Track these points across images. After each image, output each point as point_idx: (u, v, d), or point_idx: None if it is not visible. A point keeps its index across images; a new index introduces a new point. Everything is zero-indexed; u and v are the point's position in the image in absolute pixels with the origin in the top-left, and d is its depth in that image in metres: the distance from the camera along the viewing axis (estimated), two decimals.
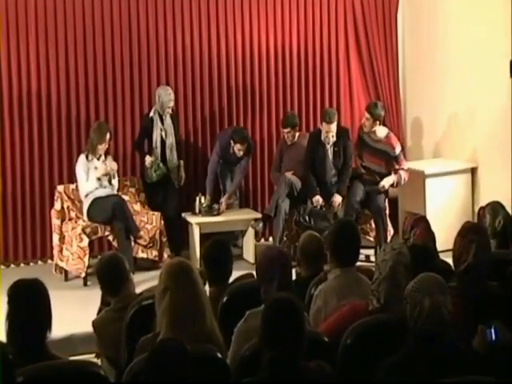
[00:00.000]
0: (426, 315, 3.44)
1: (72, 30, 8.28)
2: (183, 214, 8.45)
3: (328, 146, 8.31)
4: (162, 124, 8.19)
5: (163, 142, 8.22)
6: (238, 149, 8.36)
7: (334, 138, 8.23)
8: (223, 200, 8.52)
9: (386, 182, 8.28)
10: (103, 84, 8.47)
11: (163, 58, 8.66)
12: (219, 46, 8.87)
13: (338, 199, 8.24)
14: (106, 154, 7.97)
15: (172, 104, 8.20)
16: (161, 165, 8.19)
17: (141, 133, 8.34)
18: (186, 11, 8.69)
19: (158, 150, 8.20)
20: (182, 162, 8.43)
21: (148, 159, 8.15)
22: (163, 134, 8.20)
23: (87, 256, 7.68)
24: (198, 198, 8.34)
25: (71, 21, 8.27)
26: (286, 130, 8.49)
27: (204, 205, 8.31)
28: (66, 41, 8.28)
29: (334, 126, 8.18)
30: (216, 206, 8.38)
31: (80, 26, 8.31)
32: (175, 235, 8.29)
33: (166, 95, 8.16)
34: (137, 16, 8.52)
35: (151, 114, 8.22)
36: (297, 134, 8.54)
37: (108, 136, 7.86)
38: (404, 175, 8.36)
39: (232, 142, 8.38)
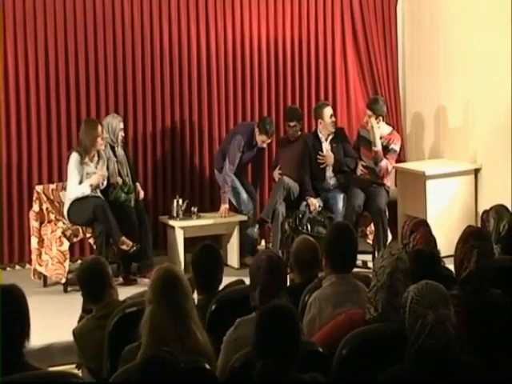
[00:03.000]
0: (428, 330, 3.41)
1: (52, 23, 8.23)
2: (160, 218, 8.52)
3: (325, 143, 8.45)
4: (115, 156, 8.04)
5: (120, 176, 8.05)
6: (262, 140, 8.40)
7: (333, 128, 8.45)
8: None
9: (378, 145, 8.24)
10: (85, 80, 8.43)
11: (148, 51, 8.63)
12: (208, 40, 8.86)
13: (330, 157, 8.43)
14: (99, 155, 7.87)
15: (122, 131, 8.03)
16: (128, 182, 8.01)
17: None
18: (174, 1, 8.68)
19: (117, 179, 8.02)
20: (137, 184, 8.23)
21: (118, 179, 7.94)
22: (119, 166, 8.05)
23: (68, 261, 7.65)
24: (175, 201, 8.32)
25: (51, 13, 8.23)
26: (292, 124, 8.54)
27: (183, 207, 8.30)
28: (46, 35, 8.24)
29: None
30: (194, 208, 8.38)
31: (61, 19, 8.26)
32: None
33: (115, 121, 7.99)
34: (121, 6, 8.50)
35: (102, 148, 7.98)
36: (299, 132, 8.62)
37: (99, 129, 7.70)
38: (384, 168, 8.24)
39: (258, 131, 8.40)
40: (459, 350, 3.51)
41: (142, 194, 8.21)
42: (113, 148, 8.05)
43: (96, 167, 7.80)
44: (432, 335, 3.42)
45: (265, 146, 8.52)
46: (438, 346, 3.41)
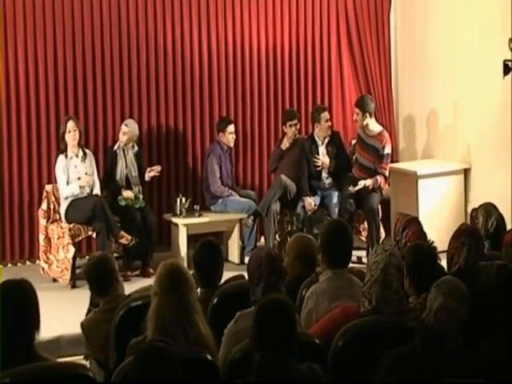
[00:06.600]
0: (434, 313, 3.56)
1: (61, 26, 8.22)
2: (165, 215, 8.53)
3: (321, 146, 8.48)
4: (125, 158, 8.12)
5: (127, 177, 8.13)
6: (230, 132, 8.42)
7: (329, 132, 8.46)
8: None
9: (360, 185, 8.28)
10: (92, 81, 8.43)
11: (153, 56, 8.62)
12: (210, 44, 8.85)
13: (326, 160, 8.46)
14: (85, 150, 7.91)
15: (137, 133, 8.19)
16: (139, 197, 8.08)
17: (108, 167, 8.17)
18: (177, 8, 8.66)
19: (123, 183, 8.09)
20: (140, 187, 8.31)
21: (129, 193, 8.01)
22: (127, 169, 8.13)
23: (71, 268, 7.63)
24: (178, 199, 8.33)
25: (60, 16, 8.22)
26: (293, 122, 8.58)
27: (186, 206, 8.31)
28: (55, 36, 8.23)
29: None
30: (196, 207, 8.38)
31: (69, 22, 8.25)
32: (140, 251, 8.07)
33: (133, 127, 8.13)
34: (126, 11, 8.47)
35: (115, 148, 8.11)
36: (297, 134, 8.66)
37: (71, 123, 7.75)
38: (380, 180, 8.32)
39: (222, 133, 8.42)
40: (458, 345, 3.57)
41: (152, 173, 8.22)
42: (124, 151, 8.12)
43: (82, 162, 7.83)
44: (436, 318, 3.55)
45: (233, 138, 8.47)
46: (437, 329, 3.48)
